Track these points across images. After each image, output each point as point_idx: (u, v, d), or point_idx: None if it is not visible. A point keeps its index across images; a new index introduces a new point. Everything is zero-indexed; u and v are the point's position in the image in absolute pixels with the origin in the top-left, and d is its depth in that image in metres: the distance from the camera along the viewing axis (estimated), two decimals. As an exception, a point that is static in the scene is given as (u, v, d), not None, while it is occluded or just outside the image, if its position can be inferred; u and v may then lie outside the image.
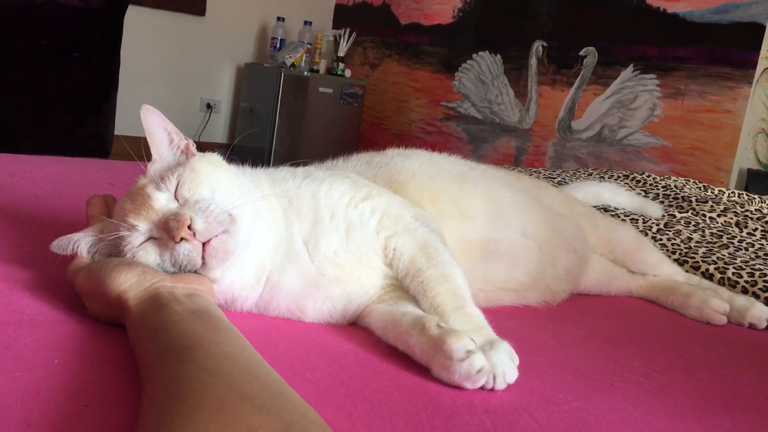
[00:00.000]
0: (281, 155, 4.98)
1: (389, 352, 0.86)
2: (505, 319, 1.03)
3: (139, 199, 0.86)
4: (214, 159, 0.93)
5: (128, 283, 0.79)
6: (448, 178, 1.15)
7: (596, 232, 1.32)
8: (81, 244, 0.88)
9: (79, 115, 3.55)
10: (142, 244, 0.84)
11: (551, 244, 1.19)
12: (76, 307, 0.85)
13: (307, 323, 0.94)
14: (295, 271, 0.92)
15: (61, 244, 0.87)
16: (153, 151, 0.92)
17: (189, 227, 0.81)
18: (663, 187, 1.95)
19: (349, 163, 1.16)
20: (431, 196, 1.10)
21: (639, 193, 1.85)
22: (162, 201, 0.85)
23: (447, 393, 0.78)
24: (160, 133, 0.92)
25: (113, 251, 0.87)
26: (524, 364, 0.82)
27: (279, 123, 4.95)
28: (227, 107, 5.44)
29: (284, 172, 1.02)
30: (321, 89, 5.09)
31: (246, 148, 5.21)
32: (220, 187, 0.88)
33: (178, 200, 0.86)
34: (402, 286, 0.95)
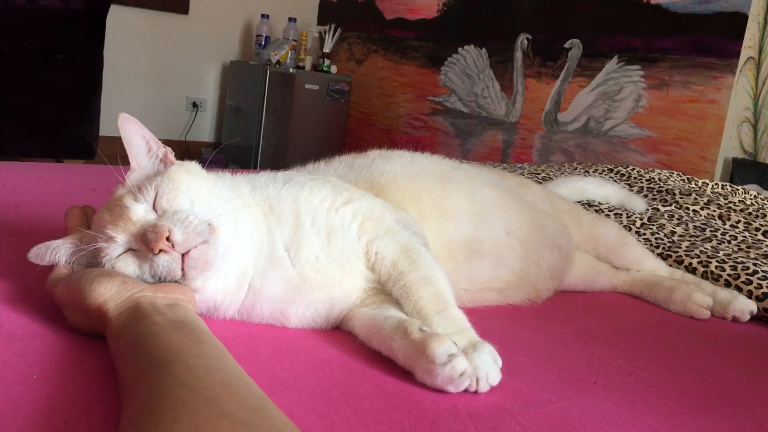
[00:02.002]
0: (268, 153, 4.97)
1: (373, 356, 0.86)
2: (489, 319, 1.03)
3: (117, 210, 0.85)
4: (193, 168, 0.93)
5: (108, 294, 0.78)
6: (430, 179, 1.15)
7: (580, 229, 1.33)
8: (59, 252, 0.87)
9: (63, 117, 3.53)
10: (120, 255, 0.84)
11: (535, 242, 1.19)
12: (56, 318, 0.84)
13: (290, 329, 0.94)
14: (277, 277, 0.92)
15: (39, 253, 0.87)
16: (131, 160, 0.92)
17: (168, 239, 0.81)
18: (647, 180, 1.95)
19: (331, 166, 1.16)
20: (413, 198, 1.09)
21: (623, 187, 1.85)
22: (140, 212, 0.84)
23: (430, 397, 0.78)
24: (138, 141, 0.92)
25: (92, 262, 0.86)
26: (508, 364, 0.82)
27: (266, 121, 4.93)
28: (213, 106, 5.42)
29: (264, 177, 1.01)
30: (307, 86, 5.07)
31: (233, 147, 5.19)
32: (199, 196, 0.87)
33: (156, 211, 0.85)
34: (385, 290, 0.95)
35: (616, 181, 1.92)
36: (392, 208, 1.02)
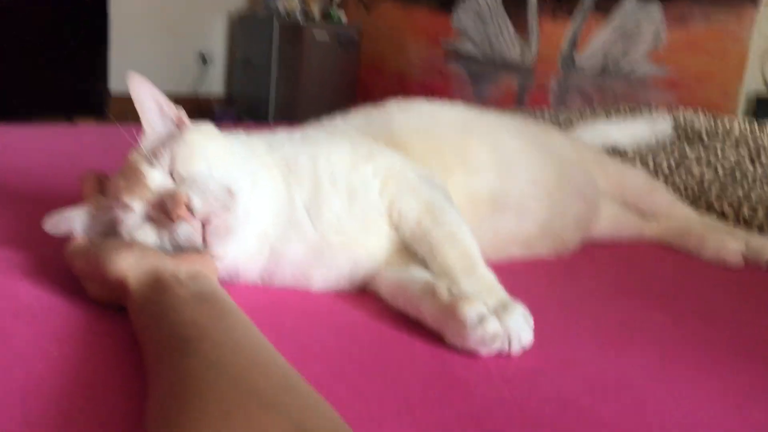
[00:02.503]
0: (280, 105, 4.91)
1: (399, 319, 0.84)
2: (516, 274, 1.00)
3: (133, 177, 0.82)
4: (208, 130, 0.89)
5: (128, 265, 0.76)
6: (452, 130, 1.10)
7: (606, 177, 1.28)
8: (75, 222, 0.85)
9: (73, 75, 3.50)
10: (138, 224, 0.81)
11: (561, 192, 1.16)
12: (76, 290, 0.82)
13: (314, 292, 0.91)
14: (298, 240, 0.89)
15: (54, 222, 0.85)
16: (144, 123, 0.88)
17: (187, 206, 0.78)
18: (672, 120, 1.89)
19: (348, 120, 1.11)
20: (435, 151, 1.05)
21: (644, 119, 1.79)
22: (156, 179, 0.82)
23: (461, 362, 0.75)
24: (150, 103, 0.88)
25: (109, 231, 0.84)
26: (539, 323, 0.79)
27: (276, 73, 4.86)
28: (222, 58, 5.34)
29: (281, 136, 0.98)
30: (317, 36, 4.98)
31: (244, 100, 5.14)
32: (216, 160, 0.84)
33: (173, 177, 0.83)
34: (410, 250, 0.92)
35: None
36: (414, 164, 0.98)
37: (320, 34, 4.98)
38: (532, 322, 0.79)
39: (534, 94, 4.47)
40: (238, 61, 5.16)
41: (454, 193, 0.99)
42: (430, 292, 0.80)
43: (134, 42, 4.71)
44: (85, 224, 0.85)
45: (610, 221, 1.26)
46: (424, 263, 0.90)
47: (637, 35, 3.78)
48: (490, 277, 0.85)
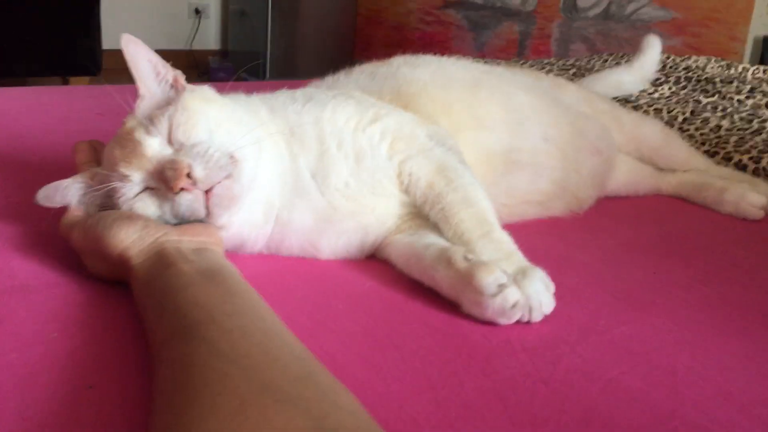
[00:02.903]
0: (277, 59, 4.81)
1: (413, 287, 0.80)
2: (532, 236, 0.96)
3: (129, 145, 0.78)
4: (207, 94, 0.84)
5: (130, 239, 0.72)
6: (462, 85, 1.05)
7: (621, 130, 1.23)
8: (70, 193, 0.81)
9: (64, 33, 3.41)
10: (137, 195, 0.77)
11: (575, 148, 1.11)
12: (73, 265, 0.78)
13: (322, 261, 0.87)
14: (305, 207, 0.85)
15: (48, 194, 0.80)
16: (139, 86, 0.83)
17: (188, 175, 0.73)
18: (684, 69, 1.83)
19: (352, 77, 1.06)
20: (445, 108, 1.00)
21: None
22: (155, 147, 0.77)
23: (480, 331, 0.72)
24: (145, 66, 0.83)
25: (107, 202, 0.80)
26: (559, 288, 0.76)
27: (272, 25, 4.74)
28: (216, 11, 5.21)
29: (283, 97, 0.92)
30: (313, -15, 4.86)
31: (241, 54, 5.03)
32: (217, 125, 0.79)
33: (172, 144, 0.78)
34: (422, 214, 0.88)
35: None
36: (423, 123, 0.93)
37: (316, -17, 4.86)
38: (553, 287, 0.75)
39: (535, 42, 4.37)
40: (233, 14, 5.04)
41: (465, 151, 0.95)
42: (445, 259, 0.76)
43: (125, -3, 4.60)
44: (80, 196, 0.81)
45: (626, 176, 1.22)
46: (436, 228, 0.86)
47: (642, -23, 3.67)
48: (507, 241, 0.81)
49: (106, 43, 3.59)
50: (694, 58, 1.93)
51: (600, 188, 1.16)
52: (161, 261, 0.69)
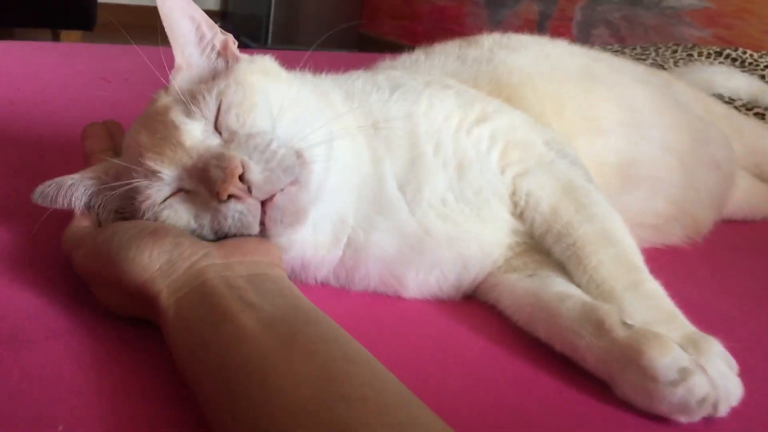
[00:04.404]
0: (280, 22, 4.58)
1: (537, 348, 0.60)
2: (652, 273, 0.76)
3: (161, 129, 0.57)
4: (269, 66, 0.64)
5: (155, 266, 0.52)
6: (572, 78, 0.84)
7: (740, 140, 1.02)
8: (76, 193, 0.60)
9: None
10: (167, 199, 0.56)
11: (694, 160, 0.90)
12: (81, 300, 0.57)
13: (406, 300, 0.67)
14: (388, 228, 0.64)
15: (48, 193, 0.60)
16: (176, 52, 0.62)
17: (241, 177, 0.53)
18: (765, 66, 1.62)
19: (435, 59, 0.84)
20: (555, 106, 0.80)
21: (754, 77, 1.52)
22: (197, 134, 0.57)
23: (645, 427, 0.52)
24: (185, 25, 0.62)
25: (125, 206, 0.60)
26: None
27: (275, -15, 4.51)
28: (218, -31, 4.94)
29: (361, 81, 0.71)
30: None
31: (241, 17, 4.77)
32: (282, 111, 0.59)
33: (220, 132, 0.57)
34: (540, 247, 0.67)
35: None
36: (538, 125, 0.73)
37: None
38: (736, 366, 0.55)
39: (555, 24, 4.15)
40: (235, -27, 4.78)
41: (577, 162, 0.74)
42: (594, 322, 0.56)
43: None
44: (89, 197, 0.61)
45: (745, 196, 1.01)
46: (560, 266, 0.65)
47: (676, -39, 3.46)
48: (663, 296, 0.61)
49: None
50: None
51: (719, 210, 0.96)
52: (206, 304, 0.49)
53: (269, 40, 4.56)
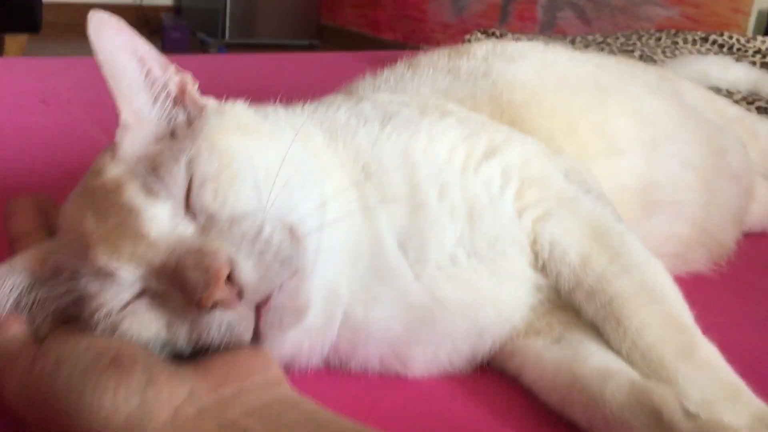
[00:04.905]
0: (237, 17, 4.46)
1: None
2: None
3: (114, 214, 0.45)
4: (245, 118, 0.52)
5: (123, 414, 0.39)
6: (581, 90, 0.73)
7: (756, 145, 0.93)
8: (3, 290, 0.46)
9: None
10: (128, 304, 0.44)
11: (713, 173, 0.80)
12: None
13: (410, 379, 0.56)
14: (391, 300, 0.53)
15: None
16: (121, 104, 0.49)
17: (229, 277, 0.41)
18: (754, 52, 1.54)
19: (423, 75, 0.72)
20: (566, 125, 0.69)
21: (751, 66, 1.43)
22: (163, 221, 0.45)
23: None
24: (131, 67, 0.49)
25: (69, 308, 0.46)
26: None
27: (231, -22, 4.37)
28: (169, -38, 4.75)
29: (344, 112, 0.59)
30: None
31: (197, 12, 4.60)
32: (269, 177, 0.47)
33: (194, 215, 0.45)
34: (567, 304, 0.56)
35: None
36: (553, 153, 0.62)
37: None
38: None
39: (520, 7, 4.07)
40: (188, -34, 4.61)
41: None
42: (650, 412, 0.46)
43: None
44: (21, 294, 0.47)
45: (763, 206, 0.91)
46: (592, 327, 0.55)
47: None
48: (722, 365, 0.51)
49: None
50: (760, 38, 1.64)
51: (739, 226, 0.86)
52: None
53: (227, 35, 4.43)
